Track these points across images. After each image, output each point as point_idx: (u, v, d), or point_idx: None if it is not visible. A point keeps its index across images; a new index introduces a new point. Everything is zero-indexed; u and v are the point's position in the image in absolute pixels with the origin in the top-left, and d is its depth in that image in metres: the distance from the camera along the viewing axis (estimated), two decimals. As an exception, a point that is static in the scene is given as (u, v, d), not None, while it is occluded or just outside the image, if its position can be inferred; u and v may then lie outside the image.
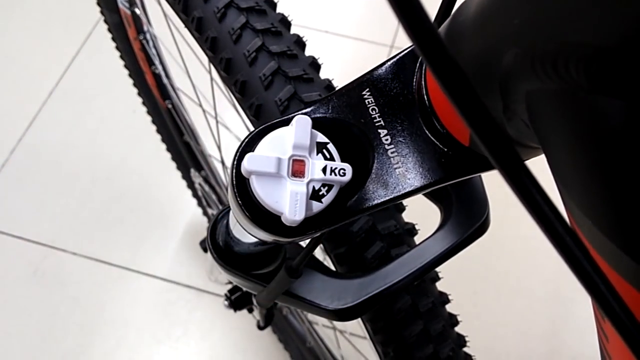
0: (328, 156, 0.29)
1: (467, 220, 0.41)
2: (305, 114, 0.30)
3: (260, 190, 0.28)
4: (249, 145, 0.29)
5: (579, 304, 1.13)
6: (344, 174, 0.29)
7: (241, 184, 0.29)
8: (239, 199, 0.29)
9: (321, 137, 0.29)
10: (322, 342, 0.97)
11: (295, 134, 0.29)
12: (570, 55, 0.18)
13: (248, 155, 0.28)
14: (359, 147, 0.30)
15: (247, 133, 0.30)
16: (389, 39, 1.48)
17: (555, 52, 0.19)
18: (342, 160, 0.29)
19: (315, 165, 0.28)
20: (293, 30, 0.47)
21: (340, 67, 1.16)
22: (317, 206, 0.28)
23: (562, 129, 0.21)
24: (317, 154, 0.29)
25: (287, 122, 0.30)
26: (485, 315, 1.12)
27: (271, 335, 1.08)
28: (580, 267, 0.19)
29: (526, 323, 1.12)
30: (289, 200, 0.28)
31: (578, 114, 0.19)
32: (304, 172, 0.28)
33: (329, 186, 0.29)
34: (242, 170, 0.28)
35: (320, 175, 0.28)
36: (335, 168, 0.29)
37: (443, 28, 0.28)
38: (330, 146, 0.29)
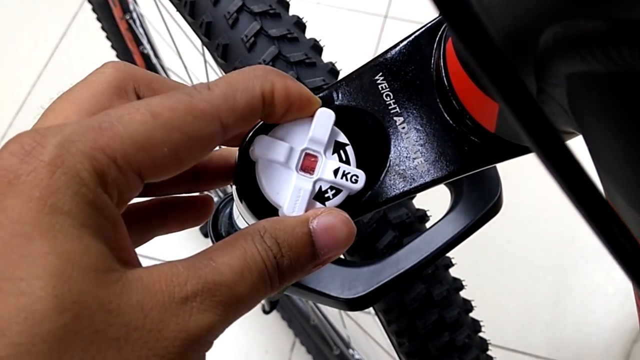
0: (344, 158, 0.27)
1: (478, 200, 0.39)
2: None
3: (264, 177, 0.26)
4: (264, 127, 0.27)
5: (582, 271, 1.13)
6: (356, 181, 0.27)
7: (247, 167, 0.27)
8: (238, 183, 0.27)
9: (342, 137, 0.27)
10: (327, 320, 0.96)
11: (314, 126, 0.27)
12: (625, 37, 0.16)
13: (259, 137, 0.26)
14: (373, 137, 0.28)
15: None
16: (382, 9, 1.45)
17: (606, 32, 0.17)
18: (356, 156, 0.28)
19: (328, 165, 0.27)
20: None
21: (333, 40, 1.14)
22: (320, 207, 0.27)
23: (611, 116, 0.19)
24: (333, 153, 0.27)
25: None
26: (488, 284, 1.11)
27: (274, 313, 1.08)
28: (627, 259, 0.17)
29: (529, 292, 1.12)
30: (290, 195, 0.26)
31: (631, 100, 0.18)
32: (314, 169, 0.27)
33: (337, 190, 0.27)
34: (250, 153, 0.26)
35: (331, 177, 0.26)
36: (348, 173, 0.27)
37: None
38: (349, 149, 0.27)
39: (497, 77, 0.15)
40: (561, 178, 0.16)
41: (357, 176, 0.27)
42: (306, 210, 0.26)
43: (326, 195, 0.27)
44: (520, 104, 0.15)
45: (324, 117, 0.27)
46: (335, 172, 0.27)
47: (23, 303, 0.17)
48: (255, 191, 0.27)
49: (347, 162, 0.27)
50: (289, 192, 0.26)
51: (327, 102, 0.28)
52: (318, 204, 0.27)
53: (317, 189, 0.26)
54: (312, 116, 0.27)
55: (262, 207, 0.27)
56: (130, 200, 0.22)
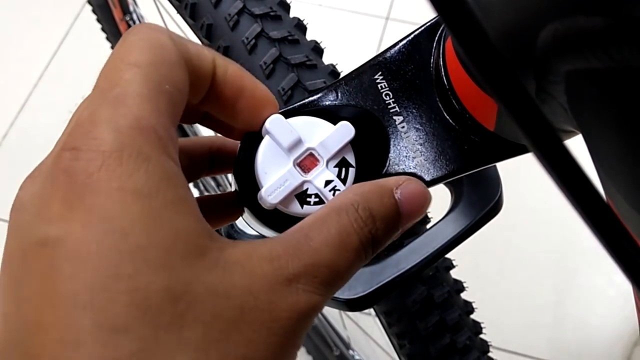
0: (342, 176, 0.27)
1: (479, 200, 0.39)
2: (313, 101, 0.29)
3: (263, 152, 0.26)
4: (288, 112, 0.27)
5: (583, 273, 1.13)
6: None
7: (254, 141, 0.27)
8: (237, 176, 0.27)
9: (351, 158, 0.27)
10: (327, 321, 0.96)
11: (332, 133, 0.27)
12: (626, 33, 0.16)
13: (277, 115, 0.26)
14: (372, 137, 0.28)
15: (298, 100, 0.29)
16: (384, 11, 1.45)
17: (605, 29, 0.17)
18: (357, 160, 0.27)
19: (324, 174, 0.26)
20: (287, 5, 0.44)
21: (335, 41, 1.14)
22: (294, 207, 0.26)
23: (610, 114, 0.19)
24: (335, 166, 0.27)
25: (331, 117, 0.28)
26: (489, 287, 1.11)
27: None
28: (628, 262, 0.17)
29: (530, 294, 1.12)
30: (275, 180, 0.26)
31: (631, 98, 0.18)
32: (310, 170, 0.27)
33: (320, 200, 0.27)
34: (263, 125, 0.26)
35: (320, 185, 0.26)
36: (338, 190, 0.27)
37: None
38: (352, 171, 0.27)
39: (494, 76, 0.15)
40: (559, 178, 0.15)
41: None
42: (280, 202, 0.26)
43: (307, 199, 0.27)
44: (517, 103, 0.15)
45: (345, 130, 0.27)
46: (327, 183, 0.26)
47: (136, 300, 0.17)
48: (249, 167, 0.27)
49: (344, 181, 0.27)
50: (276, 177, 0.26)
51: (327, 102, 0.28)
52: (296, 202, 0.26)
53: (303, 188, 0.26)
54: (336, 124, 0.27)
55: (247, 182, 0.27)
56: (177, 150, 0.22)
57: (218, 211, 0.29)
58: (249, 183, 0.27)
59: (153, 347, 0.17)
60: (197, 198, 0.28)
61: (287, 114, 0.27)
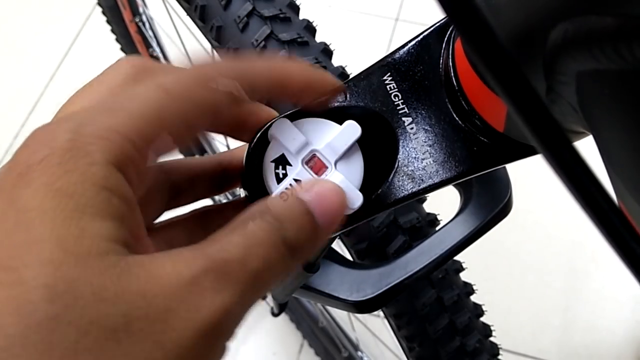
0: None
1: (488, 202, 0.39)
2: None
3: (270, 157, 0.26)
4: (294, 114, 0.27)
5: (592, 276, 1.12)
6: (353, 202, 0.26)
7: (254, 169, 0.27)
8: (246, 186, 0.27)
9: (358, 156, 0.27)
10: (335, 323, 0.96)
11: (337, 134, 0.27)
12: (637, 33, 0.16)
13: (282, 120, 0.26)
14: (381, 138, 0.28)
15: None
16: (394, 12, 1.44)
17: (617, 29, 0.17)
18: (365, 162, 0.27)
19: (333, 175, 0.26)
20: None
21: (345, 42, 1.14)
22: None
23: (621, 114, 0.19)
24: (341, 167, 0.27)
25: (339, 118, 0.28)
26: (498, 289, 1.11)
27: (283, 315, 1.08)
28: (637, 263, 0.17)
29: (539, 296, 1.11)
30: (284, 184, 0.26)
31: None
32: (319, 171, 0.26)
33: None
34: (269, 130, 0.27)
35: None
36: (349, 191, 0.26)
37: None
38: (358, 171, 0.27)
39: (502, 77, 0.15)
40: (567, 179, 0.15)
41: (355, 197, 0.26)
42: None
43: None
44: (525, 104, 0.15)
45: (350, 130, 0.27)
46: (338, 184, 0.26)
47: (15, 294, 0.17)
48: (262, 193, 0.27)
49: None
50: (285, 181, 0.26)
51: (336, 103, 0.28)
52: None
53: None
54: (341, 124, 0.27)
55: (257, 189, 0.27)
56: (149, 180, 0.21)
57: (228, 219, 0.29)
58: (258, 188, 0.27)
59: (18, 347, 0.16)
60: (208, 207, 0.28)
61: (295, 116, 0.27)
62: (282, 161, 0.26)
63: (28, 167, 0.18)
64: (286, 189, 0.26)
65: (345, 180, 0.26)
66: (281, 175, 0.26)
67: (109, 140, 0.19)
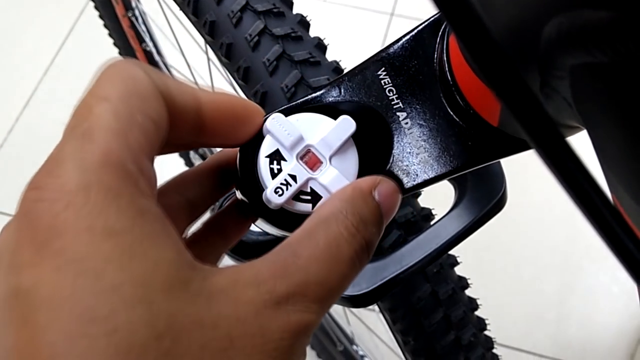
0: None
1: (483, 196, 0.39)
2: (316, 98, 0.28)
3: (265, 152, 0.26)
4: (288, 109, 0.27)
5: (587, 271, 1.13)
6: None
7: (248, 170, 0.27)
8: (241, 187, 0.27)
9: (353, 152, 0.27)
10: (330, 316, 0.96)
11: (332, 129, 0.26)
12: (631, 27, 0.16)
13: (277, 114, 0.26)
14: (375, 133, 0.28)
15: (301, 97, 0.28)
16: (389, 7, 1.44)
17: (611, 23, 0.17)
18: (360, 157, 0.27)
19: (329, 171, 0.26)
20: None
21: (339, 37, 1.14)
22: (302, 206, 0.26)
23: (615, 109, 0.19)
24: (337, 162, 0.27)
25: (334, 113, 0.27)
26: (492, 283, 1.11)
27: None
28: (629, 258, 0.17)
29: (533, 291, 1.12)
30: (278, 179, 0.26)
31: (636, 93, 0.17)
32: (314, 167, 0.26)
33: (316, 197, 0.26)
34: (264, 125, 0.26)
35: (326, 182, 0.26)
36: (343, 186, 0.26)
37: None
38: (354, 166, 0.27)
39: (494, 72, 0.15)
40: (561, 175, 0.15)
41: None
42: (287, 202, 0.26)
43: (314, 198, 0.26)
44: (518, 100, 0.15)
45: (345, 125, 0.27)
46: (331, 179, 0.26)
47: (116, 341, 0.16)
48: (258, 191, 0.26)
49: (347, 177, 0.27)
50: (280, 177, 0.26)
51: (330, 98, 0.28)
52: (302, 203, 0.26)
53: (308, 186, 0.26)
54: (336, 119, 0.27)
55: (250, 185, 0.26)
56: (154, 185, 0.21)
57: (228, 226, 0.28)
58: (253, 186, 0.27)
59: None
60: (212, 219, 0.28)
61: (290, 111, 0.27)
62: (276, 156, 0.26)
63: (54, 217, 0.18)
64: (281, 184, 0.26)
65: (340, 175, 0.26)
66: (276, 171, 0.26)
67: (115, 165, 0.19)
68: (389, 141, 0.28)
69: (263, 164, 0.26)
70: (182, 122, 0.23)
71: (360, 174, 0.27)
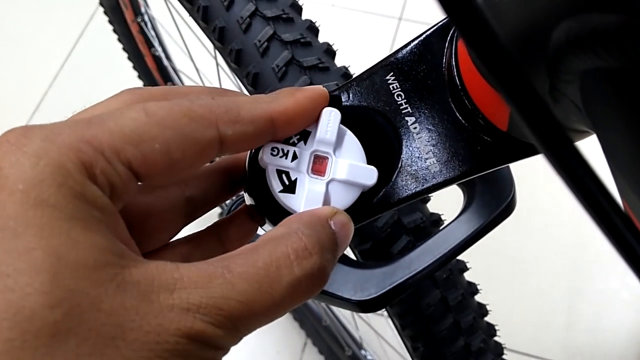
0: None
1: (492, 201, 0.39)
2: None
3: (276, 184, 0.26)
4: None
5: (596, 276, 1.12)
6: (369, 177, 0.27)
7: (258, 175, 0.27)
8: (250, 191, 0.27)
9: (350, 135, 0.27)
10: (339, 321, 0.96)
11: (320, 127, 0.26)
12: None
13: (267, 144, 0.26)
14: (384, 138, 0.28)
15: None
16: (397, 11, 1.44)
17: (621, 26, 0.16)
18: (367, 156, 0.27)
19: (339, 164, 0.26)
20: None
21: (348, 42, 1.14)
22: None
23: (626, 113, 0.19)
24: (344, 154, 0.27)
25: (344, 119, 0.27)
26: (501, 288, 1.11)
27: (286, 314, 1.08)
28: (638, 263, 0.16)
29: (543, 296, 1.11)
30: (304, 199, 0.26)
31: None
32: (325, 170, 0.26)
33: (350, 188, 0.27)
34: (260, 161, 0.26)
35: (343, 176, 0.26)
36: (361, 169, 0.27)
37: None
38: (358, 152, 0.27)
39: (504, 78, 0.15)
40: (570, 180, 0.15)
41: (370, 172, 0.27)
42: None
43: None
44: (527, 105, 0.15)
45: (330, 117, 0.27)
46: (348, 170, 0.26)
47: (10, 299, 0.17)
48: (268, 197, 0.27)
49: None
50: (303, 196, 0.26)
51: (336, 103, 0.28)
52: (333, 204, 0.26)
53: (330, 190, 0.26)
54: (348, 126, 0.27)
55: (276, 212, 0.27)
56: (126, 198, 0.21)
57: (229, 232, 0.28)
58: (264, 194, 0.27)
59: (18, 352, 0.17)
60: (215, 223, 0.28)
61: None
62: (289, 183, 0.26)
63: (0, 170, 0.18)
64: (307, 201, 0.26)
65: (353, 163, 0.26)
66: (298, 194, 0.26)
67: (82, 151, 0.19)
68: (397, 146, 0.28)
69: (283, 197, 0.26)
70: (258, 134, 0.23)
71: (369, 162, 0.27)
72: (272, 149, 0.26)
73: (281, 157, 0.26)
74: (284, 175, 0.26)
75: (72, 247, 0.18)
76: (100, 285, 0.18)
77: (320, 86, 0.26)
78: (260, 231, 0.31)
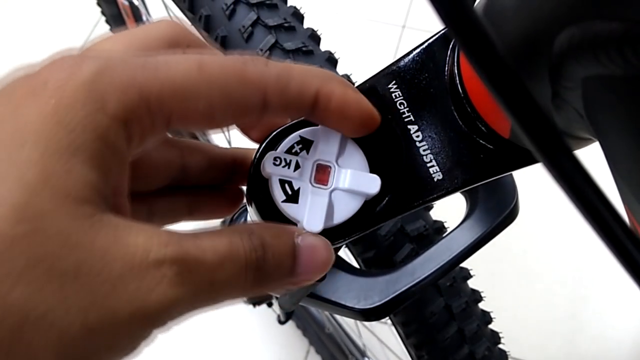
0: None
1: (495, 207, 0.39)
2: None
3: (279, 193, 0.26)
4: (272, 142, 0.27)
5: (599, 285, 1.12)
6: (372, 186, 0.26)
7: (260, 185, 0.27)
8: (253, 202, 0.27)
9: (354, 147, 0.27)
10: (342, 329, 0.96)
11: (322, 136, 0.26)
12: None
13: (269, 154, 0.26)
14: (387, 146, 0.28)
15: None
16: (400, 19, 1.45)
17: (622, 34, 0.16)
18: (370, 164, 0.27)
19: (342, 173, 0.26)
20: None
21: (351, 49, 1.14)
22: (338, 217, 0.26)
23: (628, 120, 0.19)
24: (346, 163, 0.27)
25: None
26: (505, 296, 1.10)
27: (289, 321, 1.08)
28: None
29: (546, 304, 1.11)
30: (308, 209, 0.26)
31: None
32: (328, 179, 0.26)
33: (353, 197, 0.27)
34: (262, 171, 0.26)
35: (346, 185, 0.26)
36: (364, 178, 0.26)
37: (479, 5, 0.25)
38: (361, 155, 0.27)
39: (502, 88, 0.15)
40: (570, 190, 0.15)
41: (373, 181, 0.26)
42: (326, 221, 0.26)
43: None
44: (525, 115, 0.15)
45: None
46: (351, 179, 0.26)
47: None
48: (271, 206, 0.26)
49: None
50: (307, 205, 0.26)
51: None
52: (337, 214, 0.26)
53: (333, 200, 0.26)
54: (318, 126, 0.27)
55: (280, 221, 0.26)
56: (147, 144, 0.21)
57: (210, 201, 0.29)
58: (267, 204, 0.27)
59: None
60: (200, 189, 0.28)
61: (296, 127, 0.27)
62: (292, 193, 0.26)
63: (44, 84, 0.18)
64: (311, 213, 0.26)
65: (356, 172, 0.26)
66: (301, 204, 0.26)
67: (126, 95, 0.19)
68: (400, 154, 0.28)
69: (285, 207, 0.26)
70: (300, 107, 0.23)
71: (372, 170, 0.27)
72: (275, 159, 0.26)
73: (284, 166, 0.26)
74: (286, 185, 0.26)
75: (62, 174, 0.18)
76: (74, 219, 0.17)
77: (376, 112, 0.25)
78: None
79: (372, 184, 0.26)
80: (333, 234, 0.26)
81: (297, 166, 0.26)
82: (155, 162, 0.26)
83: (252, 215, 0.28)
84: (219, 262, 0.20)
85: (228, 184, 0.29)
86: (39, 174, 0.17)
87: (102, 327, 0.17)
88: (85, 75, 0.19)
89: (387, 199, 0.28)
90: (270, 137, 0.27)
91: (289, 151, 0.26)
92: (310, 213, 0.26)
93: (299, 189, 0.26)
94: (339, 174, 0.26)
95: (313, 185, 0.26)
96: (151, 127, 0.20)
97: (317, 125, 0.27)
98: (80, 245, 0.17)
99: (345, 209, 0.26)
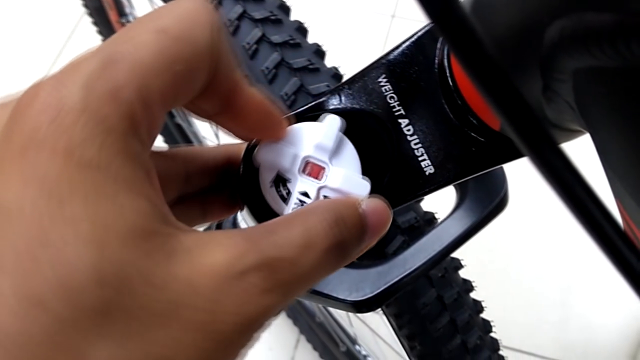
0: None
1: (484, 197, 0.39)
2: (316, 104, 0.28)
3: (267, 183, 0.26)
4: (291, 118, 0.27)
5: (590, 272, 1.12)
6: (361, 190, 0.26)
7: (250, 172, 0.26)
8: (241, 188, 0.26)
9: (350, 148, 0.27)
10: (333, 318, 0.96)
11: (322, 133, 0.26)
12: (634, 30, 0.16)
13: (263, 143, 0.26)
14: (377, 140, 0.28)
15: (301, 105, 0.28)
16: (390, 9, 1.44)
17: (614, 25, 0.16)
18: (362, 161, 0.27)
19: (333, 172, 0.26)
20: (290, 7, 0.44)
21: (340, 39, 1.14)
22: None
23: (619, 112, 0.19)
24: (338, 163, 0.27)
25: (314, 115, 0.27)
26: (494, 285, 1.11)
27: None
28: (630, 271, 0.17)
29: (535, 292, 1.11)
30: (292, 201, 0.25)
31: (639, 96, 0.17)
32: (319, 176, 0.26)
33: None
34: (254, 158, 0.26)
35: (336, 185, 0.26)
36: (354, 181, 0.26)
37: None
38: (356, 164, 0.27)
39: (488, 84, 0.15)
40: (557, 184, 0.15)
41: (363, 185, 0.26)
42: None
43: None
44: (511, 110, 0.15)
45: (332, 124, 0.26)
46: (342, 179, 0.26)
47: (60, 274, 0.16)
48: (257, 195, 0.26)
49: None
50: (293, 198, 0.26)
51: (330, 106, 0.28)
52: None
53: (321, 196, 0.26)
54: (319, 122, 0.27)
55: (265, 213, 0.26)
56: (155, 136, 0.20)
57: (222, 201, 0.28)
58: (254, 192, 0.26)
59: (70, 330, 0.16)
60: (202, 194, 0.28)
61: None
62: (280, 181, 0.26)
63: (36, 128, 0.17)
64: (295, 204, 0.25)
65: (347, 173, 0.26)
66: (285, 195, 0.26)
67: (122, 99, 0.17)
68: (391, 148, 0.28)
69: (271, 195, 0.26)
70: (216, 88, 0.22)
71: (365, 172, 0.27)
72: (268, 149, 0.26)
73: (277, 156, 0.26)
74: (282, 189, 0.26)
75: (119, 214, 0.16)
76: (151, 256, 0.17)
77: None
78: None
79: (362, 188, 0.26)
80: None
81: (291, 158, 0.26)
82: (163, 179, 0.25)
83: (245, 217, 0.28)
84: (299, 254, 0.19)
85: (225, 185, 0.29)
86: (95, 226, 0.16)
87: (218, 356, 0.17)
88: (74, 98, 0.17)
89: (378, 193, 0.28)
90: (292, 113, 0.27)
91: (283, 143, 0.26)
92: (295, 207, 0.25)
93: (288, 180, 0.26)
94: (330, 172, 0.26)
95: (303, 180, 0.26)
96: (154, 119, 0.19)
97: (313, 122, 0.27)
98: (166, 283, 0.17)
99: None
